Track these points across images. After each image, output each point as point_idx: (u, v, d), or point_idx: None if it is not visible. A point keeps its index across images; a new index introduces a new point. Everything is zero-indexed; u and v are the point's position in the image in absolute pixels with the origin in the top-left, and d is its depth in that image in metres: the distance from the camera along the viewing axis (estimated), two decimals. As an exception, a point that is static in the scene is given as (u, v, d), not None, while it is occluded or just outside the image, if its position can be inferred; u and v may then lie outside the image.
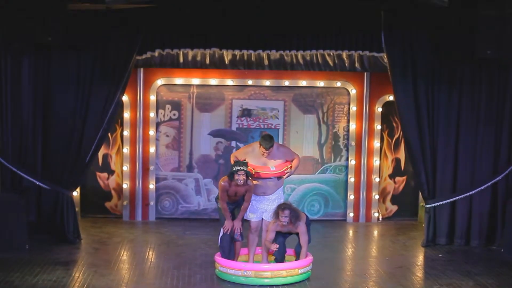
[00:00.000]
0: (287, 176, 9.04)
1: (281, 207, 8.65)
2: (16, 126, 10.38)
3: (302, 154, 12.15)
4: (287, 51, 11.28)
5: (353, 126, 12.32)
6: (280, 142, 12.10)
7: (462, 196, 10.71)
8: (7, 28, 9.82)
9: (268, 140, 8.73)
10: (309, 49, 11.17)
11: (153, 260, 9.76)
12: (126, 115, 12.04)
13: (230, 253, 8.84)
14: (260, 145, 8.74)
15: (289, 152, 9.13)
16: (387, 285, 8.71)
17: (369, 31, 10.89)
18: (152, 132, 12.14)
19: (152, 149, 12.16)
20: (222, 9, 10.61)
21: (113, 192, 12.36)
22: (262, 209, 8.97)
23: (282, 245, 8.87)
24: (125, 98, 11.75)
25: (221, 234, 8.88)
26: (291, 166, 8.97)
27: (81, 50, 10.43)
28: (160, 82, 12.08)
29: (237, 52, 11.44)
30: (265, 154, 8.76)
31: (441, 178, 10.84)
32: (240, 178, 8.48)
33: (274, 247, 8.70)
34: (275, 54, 11.62)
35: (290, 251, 9.12)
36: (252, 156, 8.84)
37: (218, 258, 8.78)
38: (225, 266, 8.63)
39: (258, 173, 8.80)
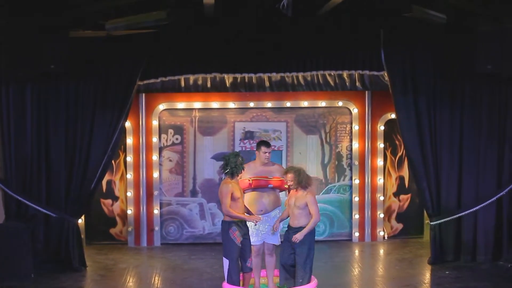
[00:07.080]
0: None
1: (286, 170, 8.70)
2: (20, 155, 10.40)
3: (305, 175, 12.17)
4: (288, 73, 11.33)
5: (356, 145, 12.33)
6: (284, 163, 12.09)
7: (466, 212, 10.69)
8: (10, 57, 9.90)
9: (265, 141, 9.18)
10: (310, 70, 11.19)
11: (159, 285, 9.73)
12: (129, 140, 12.06)
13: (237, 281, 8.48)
14: (260, 149, 8.95)
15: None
16: (395, 303, 8.69)
17: (368, 50, 10.94)
18: (155, 157, 12.14)
19: (155, 174, 12.16)
20: (222, 34, 10.66)
21: (117, 218, 12.34)
22: (263, 231, 8.89)
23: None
24: (127, 123, 11.76)
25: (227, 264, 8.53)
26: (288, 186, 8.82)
27: (83, 77, 10.48)
28: (162, 106, 12.11)
29: (238, 75, 11.50)
30: (267, 154, 8.91)
31: (445, 195, 10.83)
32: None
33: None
34: (275, 76, 11.67)
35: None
36: (248, 171, 8.88)
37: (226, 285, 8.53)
38: None
39: (258, 181, 8.78)
